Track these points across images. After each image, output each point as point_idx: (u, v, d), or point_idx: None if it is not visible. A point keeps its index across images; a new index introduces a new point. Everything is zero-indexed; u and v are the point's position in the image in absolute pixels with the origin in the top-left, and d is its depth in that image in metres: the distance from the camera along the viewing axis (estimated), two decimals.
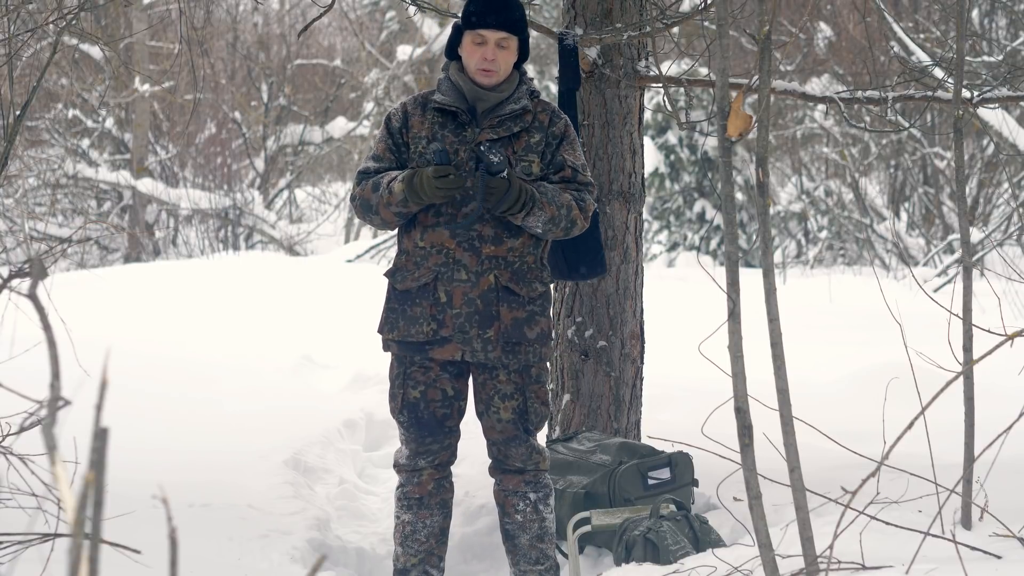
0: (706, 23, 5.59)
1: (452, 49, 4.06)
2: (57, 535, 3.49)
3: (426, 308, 3.97)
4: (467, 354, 3.96)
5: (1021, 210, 12.40)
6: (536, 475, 4.10)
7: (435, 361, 4.03)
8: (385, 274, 4.09)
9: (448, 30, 18.07)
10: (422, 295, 3.98)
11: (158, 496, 4.50)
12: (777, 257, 16.55)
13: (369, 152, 4.12)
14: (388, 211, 3.93)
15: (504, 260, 3.97)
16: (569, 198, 3.95)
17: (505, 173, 3.84)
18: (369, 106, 19.47)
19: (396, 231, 4.10)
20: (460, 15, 4.03)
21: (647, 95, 11.72)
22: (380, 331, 4.07)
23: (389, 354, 4.14)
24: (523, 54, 4.04)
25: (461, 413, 4.11)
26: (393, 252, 15.37)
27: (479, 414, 4.09)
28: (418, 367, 4.04)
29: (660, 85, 5.20)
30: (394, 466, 4.17)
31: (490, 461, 4.16)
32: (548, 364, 4.16)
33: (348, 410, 6.72)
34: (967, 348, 3.68)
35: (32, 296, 1.57)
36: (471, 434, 4.33)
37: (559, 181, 4.01)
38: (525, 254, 3.99)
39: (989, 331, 3.48)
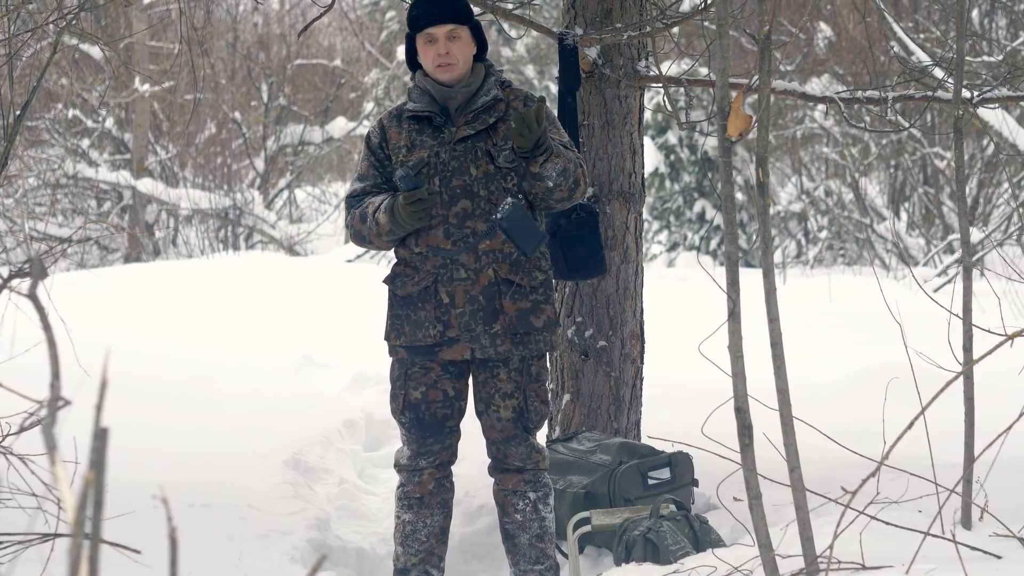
0: (706, 23, 5.59)
1: (412, 61, 4.08)
2: (57, 535, 3.49)
3: (430, 311, 3.98)
4: (477, 351, 3.97)
5: (1021, 210, 12.40)
6: (536, 474, 4.10)
7: (436, 362, 4.04)
8: (384, 281, 4.10)
9: None
10: (424, 299, 3.99)
11: (158, 496, 4.50)
12: (777, 257, 16.55)
13: (358, 167, 4.15)
14: (381, 240, 3.99)
15: (501, 252, 3.98)
16: (572, 154, 3.98)
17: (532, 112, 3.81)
18: (369, 106, 19.47)
19: None
20: (407, 23, 4.04)
21: (647, 95, 11.71)
22: (387, 338, 4.09)
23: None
24: (482, 46, 4.05)
25: (461, 413, 4.11)
26: (394, 252, 15.38)
27: (479, 413, 4.09)
28: (419, 368, 4.05)
29: (660, 85, 5.20)
30: (395, 466, 4.18)
31: (489, 461, 4.16)
32: (548, 363, 4.17)
33: (348, 410, 6.72)
34: (967, 348, 3.68)
35: (32, 296, 1.57)
36: (471, 434, 4.33)
37: None
38: None
39: (989, 331, 3.48)
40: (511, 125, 3.86)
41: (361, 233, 4.01)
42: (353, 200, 4.06)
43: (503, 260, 3.99)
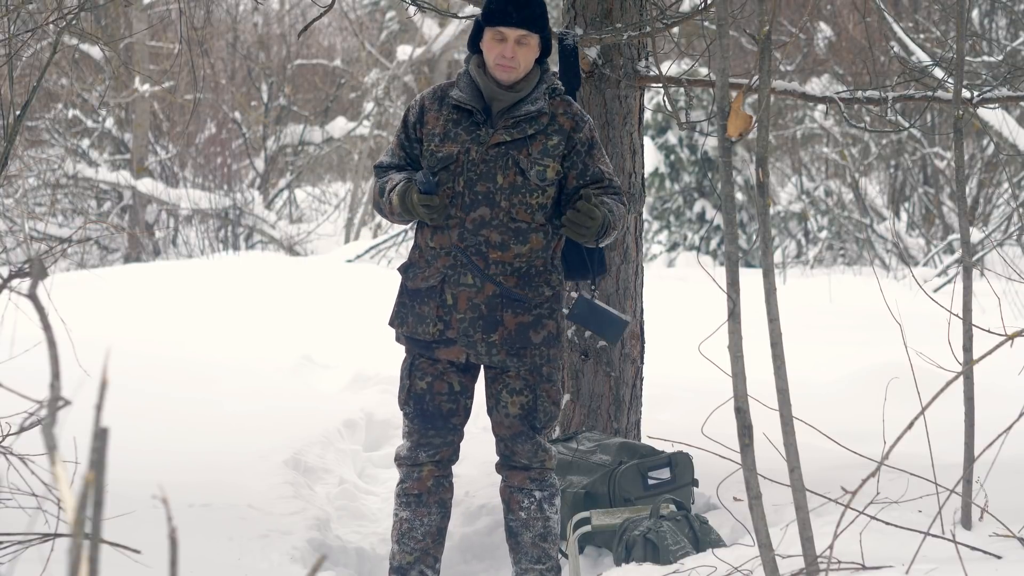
0: (706, 23, 5.59)
1: (474, 42, 4.02)
2: (57, 535, 3.49)
3: (433, 309, 3.98)
4: (472, 357, 3.98)
5: (1021, 210, 12.40)
6: (542, 473, 4.10)
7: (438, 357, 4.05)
8: (399, 268, 4.11)
9: (451, 27, 18.12)
10: (430, 295, 3.99)
11: (158, 496, 4.50)
12: (777, 257, 16.55)
13: (389, 143, 4.17)
14: (393, 215, 4.02)
15: (511, 266, 3.96)
16: (623, 210, 3.96)
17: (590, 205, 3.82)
18: (369, 106, 19.47)
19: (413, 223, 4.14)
20: (481, 11, 3.98)
21: (647, 95, 11.71)
22: (391, 323, 4.11)
23: (397, 348, 4.17)
24: (545, 49, 4.00)
25: (467, 412, 4.10)
26: (393, 252, 15.42)
27: (489, 410, 4.09)
28: (426, 359, 4.06)
29: (660, 85, 5.20)
30: (395, 459, 4.16)
31: (497, 458, 4.16)
32: (560, 363, 4.14)
33: (348, 410, 6.72)
34: (967, 348, 3.68)
35: (32, 296, 1.57)
36: (472, 434, 4.33)
37: (599, 193, 3.98)
38: (533, 259, 3.98)
39: (989, 331, 3.48)
40: (573, 214, 3.81)
41: (379, 205, 4.07)
42: (380, 170, 4.12)
43: (511, 273, 3.97)
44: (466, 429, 4.19)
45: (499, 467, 4.16)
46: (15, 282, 4.90)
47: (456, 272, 3.96)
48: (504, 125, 3.96)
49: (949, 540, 3.26)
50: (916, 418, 3.07)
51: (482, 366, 4.07)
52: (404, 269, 4.09)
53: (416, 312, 4.02)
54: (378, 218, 18.05)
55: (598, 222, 3.80)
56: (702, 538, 4.30)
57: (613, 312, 3.97)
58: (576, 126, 3.99)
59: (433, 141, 4.00)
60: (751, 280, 5.16)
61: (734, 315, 2.97)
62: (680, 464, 4.79)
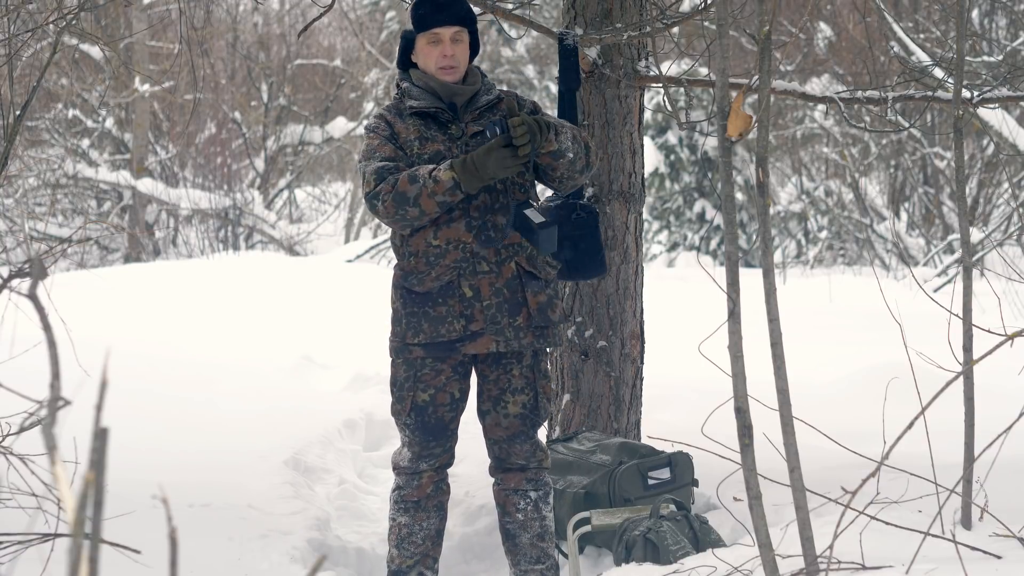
0: (706, 23, 5.59)
1: (405, 59, 4.07)
2: (57, 535, 3.49)
3: (453, 306, 3.95)
4: (501, 344, 3.97)
5: (1021, 210, 12.40)
6: (538, 473, 4.11)
7: (448, 363, 4.01)
8: (395, 282, 4.02)
9: None
10: (447, 294, 3.96)
11: (158, 496, 4.51)
12: (777, 257, 16.55)
13: (370, 155, 3.97)
14: (431, 200, 3.81)
15: (520, 246, 4.00)
16: (572, 126, 4.01)
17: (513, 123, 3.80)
18: (369, 106, 19.48)
19: (391, 237, 4.10)
20: (411, 21, 4.02)
21: (647, 95, 11.71)
22: (401, 337, 3.99)
23: (390, 358, 4.10)
24: (474, 48, 4.08)
25: (462, 414, 4.12)
26: (392, 254, 15.38)
27: (484, 412, 4.07)
28: (430, 370, 4.01)
29: (660, 85, 5.20)
30: (393, 468, 4.15)
31: (490, 461, 4.16)
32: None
33: (348, 410, 6.72)
34: (967, 348, 3.68)
35: (32, 296, 1.57)
36: (471, 434, 4.32)
37: None
38: None
39: (989, 331, 3.48)
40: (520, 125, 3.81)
41: (406, 194, 3.81)
42: (384, 171, 3.89)
43: (522, 252, 4.01)
44: (464, 429, 4.19)
45: (493, 470, 4.16)
46: (15, 282, 4.91)
47: (470, 263, 3.95)
48: (472, 118, 4.02)
49: (949, 540, 3.26)
50: (916, 418, 3.07)
51: (482, 366, 4.07)
52: (403, 279, 4.01)
53: (432, 315, 3.96)
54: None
55: (525, 128, 3.75)
56: (702, 538, 4.30)
57: (542, 218, 3.91)
58: (519, 104, 4.04)
59: (413, 146, 3.98)
60: (751, 280, 5.17)
61: (734, 315, 2.97)
62: (680, 464, 4.79)
